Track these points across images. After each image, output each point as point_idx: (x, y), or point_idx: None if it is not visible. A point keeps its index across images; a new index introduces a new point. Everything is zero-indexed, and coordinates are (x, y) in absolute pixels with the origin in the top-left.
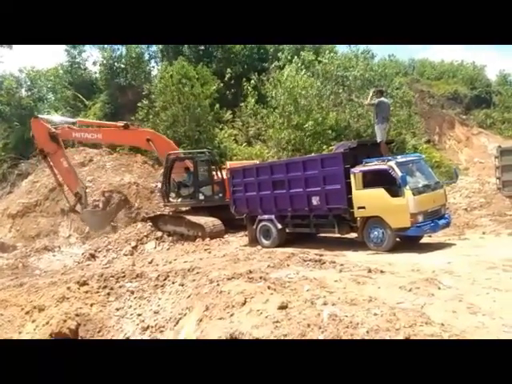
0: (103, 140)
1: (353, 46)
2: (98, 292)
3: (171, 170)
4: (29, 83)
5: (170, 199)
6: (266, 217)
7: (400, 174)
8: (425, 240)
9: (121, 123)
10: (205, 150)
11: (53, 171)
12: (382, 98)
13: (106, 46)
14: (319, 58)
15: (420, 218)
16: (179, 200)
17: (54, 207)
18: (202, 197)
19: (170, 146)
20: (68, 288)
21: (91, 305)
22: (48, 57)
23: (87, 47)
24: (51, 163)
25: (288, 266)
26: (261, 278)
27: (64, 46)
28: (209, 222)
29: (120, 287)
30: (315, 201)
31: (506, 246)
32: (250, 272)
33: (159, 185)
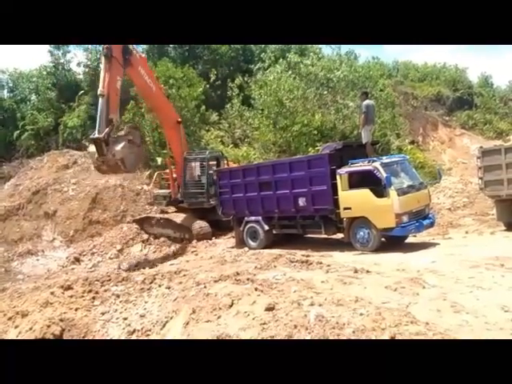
0: (152, 95)
1: (335, 47)
2: (82, 296)
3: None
4: (11, 84)
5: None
6: (252, 218)
7: (385, 174)
8: (410, 240)
9: None
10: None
11: (105, 76)
12: (368, 101)
13: (90, 47)
14: (303, 60)
15: (405, 218)
16: (211, 199)
17: (38, 210)
18: None
19: (185, 140)
20: (52, 293)
21: (76, 309)
22: (31, 58)
23: (71, 48)
24: (108, 69)
25: (275, 267)
26: (248, 279)
27: (47, 47)
28: (196, 224)
29: (105, 291)
30: (302, 202)
31: (488, 245)
32: (237, 274)
33: (161, 192)
